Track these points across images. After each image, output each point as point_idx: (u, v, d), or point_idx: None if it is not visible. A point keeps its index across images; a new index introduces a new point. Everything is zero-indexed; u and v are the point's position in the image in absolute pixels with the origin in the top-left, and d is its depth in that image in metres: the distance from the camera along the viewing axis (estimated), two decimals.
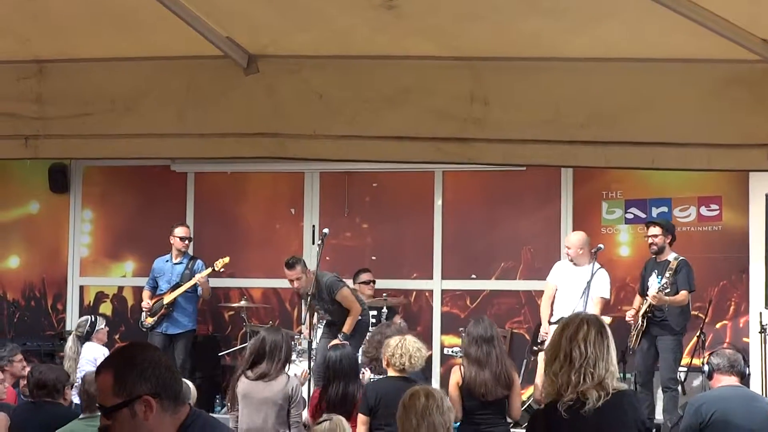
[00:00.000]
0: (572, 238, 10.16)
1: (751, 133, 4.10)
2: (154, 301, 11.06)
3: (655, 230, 9.81)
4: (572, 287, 9.91)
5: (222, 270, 11.09)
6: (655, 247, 9.80)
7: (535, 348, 10.00)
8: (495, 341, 7.36)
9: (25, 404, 6.99)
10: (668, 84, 4.18)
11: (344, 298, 9.58)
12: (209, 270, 10.98)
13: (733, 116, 4.12)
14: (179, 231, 11.22)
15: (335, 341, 8.99)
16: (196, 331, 11.23)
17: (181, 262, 11.13)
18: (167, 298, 10.93)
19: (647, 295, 9.65)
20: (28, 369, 7.73)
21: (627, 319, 9.81)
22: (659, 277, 9.67)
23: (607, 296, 9.96)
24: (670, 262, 9.68)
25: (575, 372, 4.00)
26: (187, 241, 11.23)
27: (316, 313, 9.88)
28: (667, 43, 4.05)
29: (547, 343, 4.27)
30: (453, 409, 5.17)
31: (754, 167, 4.63)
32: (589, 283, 9.74)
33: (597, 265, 9.94)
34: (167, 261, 11.24)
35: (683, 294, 9.55)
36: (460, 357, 10.08)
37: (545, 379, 4.22)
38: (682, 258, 9.68)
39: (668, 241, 9.78)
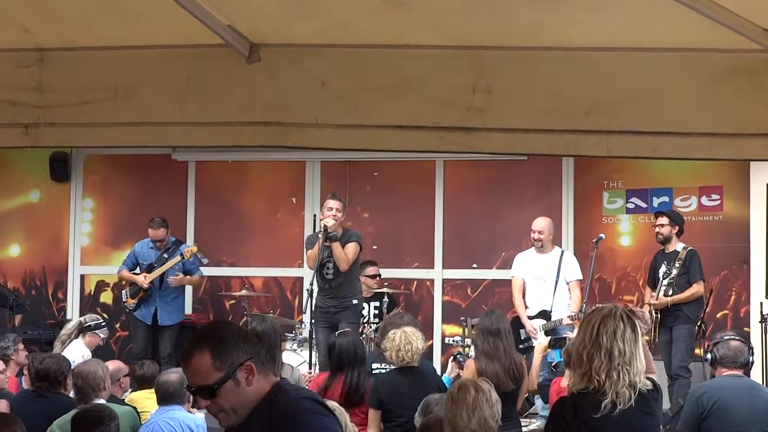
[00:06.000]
0: (542, 222, 9.99)
1: (752, 123, 4.11)
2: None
3: (662, 220, 9.79)
4: (542, 276, 9.89)
5: (190, 258, 10.84)
6: (660, 237, 9.78)
7: (521, 346, 9.80)
8: (502, 334, 7.22)
9: (26, 393, 6.97)
10: (670, 73, 4.18)
11: (351, 250, 9.59)
12: (178, 258, 10.78)
13: (734, 106, 4.12)
14: (151, 234, 10.98)
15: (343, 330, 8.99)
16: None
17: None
18: (149, 278, 10.72)
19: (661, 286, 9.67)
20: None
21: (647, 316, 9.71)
22: (666, 267, 9.68)
23: (582, 277, 9.92)
24: (678, 252, 9.67)
25: (614, 369, 4.06)
26: (158, 243, 10.93)
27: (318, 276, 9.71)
28: (669, 32, 4.06)
29: (578, 337, 4.24)
30: (500, 400, 5.06)
31: (756, 156, 4.62)
32: (559, 268, 9.77)
33: (559, 250, 9.97)
34: (151, 247, 11.01)
35: (695, 287, 9.56)
36: (460, 346, 10.11)
37: (574, 372, 4.24)
38: (690, 248, 9.66)
39: (675, 231, 9.73)
